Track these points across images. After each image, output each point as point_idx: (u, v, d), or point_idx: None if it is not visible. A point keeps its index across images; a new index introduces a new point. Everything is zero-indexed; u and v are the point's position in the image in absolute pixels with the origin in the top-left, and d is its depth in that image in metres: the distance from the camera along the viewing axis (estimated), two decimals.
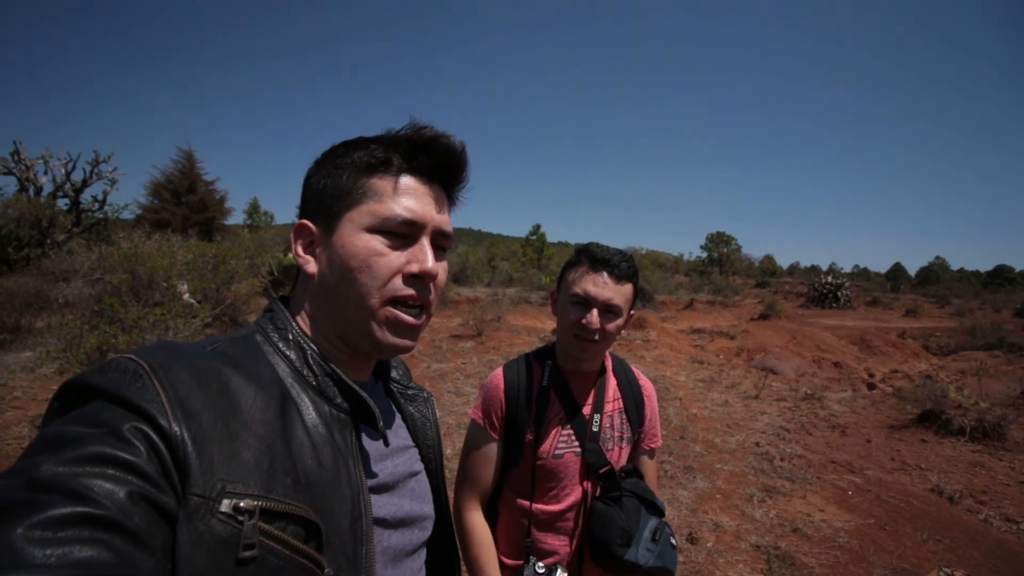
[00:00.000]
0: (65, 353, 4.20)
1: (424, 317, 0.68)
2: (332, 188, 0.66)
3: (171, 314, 4.77)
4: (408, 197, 0.66)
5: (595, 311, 1.20)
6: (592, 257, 1.23)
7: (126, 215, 15.66)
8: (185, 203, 23.64)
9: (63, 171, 13.18)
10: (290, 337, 0.65)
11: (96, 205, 13.70)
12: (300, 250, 0.68)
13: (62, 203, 13.08)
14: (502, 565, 1.25)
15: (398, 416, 0.80)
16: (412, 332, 0.67)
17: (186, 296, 6.51)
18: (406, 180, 0.66)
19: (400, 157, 0.67)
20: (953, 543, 3.27)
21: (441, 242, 0.70)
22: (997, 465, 4.77)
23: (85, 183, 13.37)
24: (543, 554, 1.24)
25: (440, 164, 0.69)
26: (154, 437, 0.45)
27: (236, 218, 32.05)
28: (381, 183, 0.65)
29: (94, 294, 6.75)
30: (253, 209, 37.69)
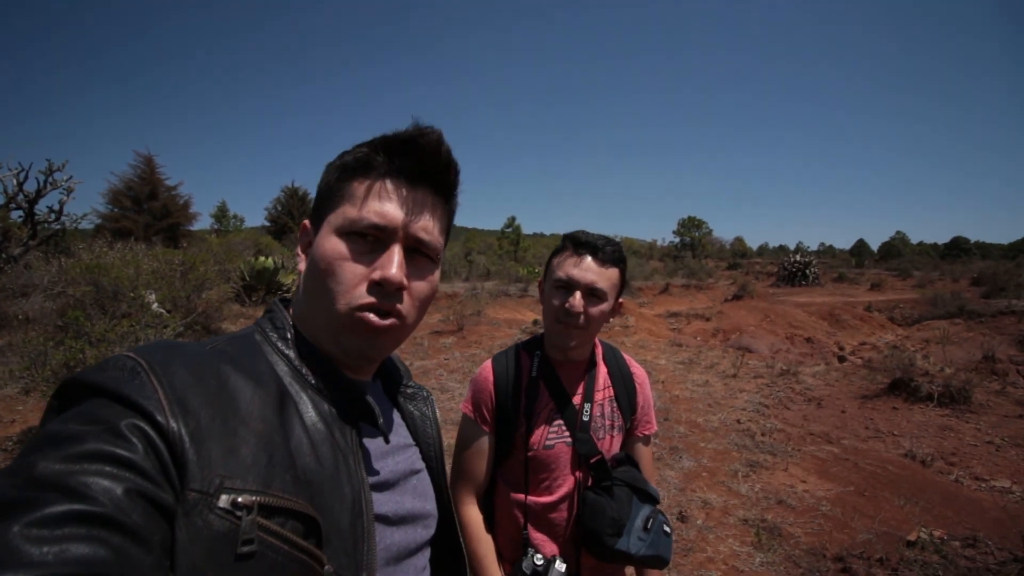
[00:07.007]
0: (29, 371, 4.02)
1: (392, 320, 0.63)
2: (323, 189, 0.67)
3: (140, 325, 4.59)
4: (381, 201, 0.63)
5: (578, 294, 1.18)
6: (576, 242, 1.23)
7: (85, 225, 15.01)
8: (147, 210, 22.81)
9: (14, 182, 12.52)
10: (289, 336, 0.64)
11: (52, 216, 13.08)
12: (300, 249, 0.69)
13: (16, 215, 12.47)
14: (500, 558, 1.25)
15: (397, 415, 0.79)
16: (375, 336, 0.63)
17: (155, 306, 6.28)
18: (384, 183, 0.64)
19: (382, 159, 0.64)
20: (929, 504, 3.42)
21: (421, 249, 0.66)
22: (964, 427, 5.00)
23: (39, 193, 12.74)
24: (540, 546, 1.24)
25: (425, 166, 0.65)
26: (152, 434, 0.45)
27: (204, 223, 31.14)
28: (359, 186, 0.64)
29: (56, 308, 6.47)
30: (221, 213, 36.63)
